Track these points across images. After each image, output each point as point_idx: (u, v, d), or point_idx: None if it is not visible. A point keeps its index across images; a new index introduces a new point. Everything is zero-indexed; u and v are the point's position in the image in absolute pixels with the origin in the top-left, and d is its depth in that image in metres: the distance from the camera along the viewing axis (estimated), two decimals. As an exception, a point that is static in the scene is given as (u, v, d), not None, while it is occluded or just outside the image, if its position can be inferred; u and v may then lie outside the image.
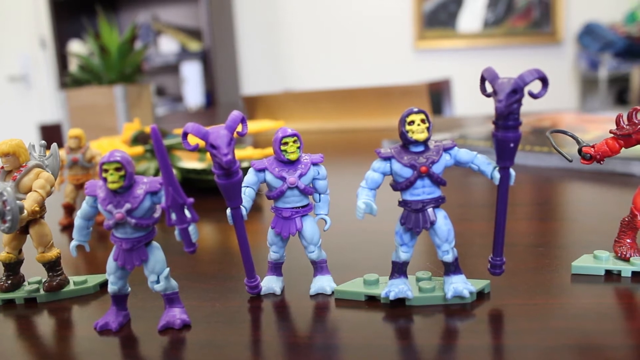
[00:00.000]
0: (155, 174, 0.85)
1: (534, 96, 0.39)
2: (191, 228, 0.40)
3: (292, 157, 0.45)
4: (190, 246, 0.40)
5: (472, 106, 3.04)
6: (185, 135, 0.41)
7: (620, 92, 3.05)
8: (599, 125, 1.18)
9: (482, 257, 0.52)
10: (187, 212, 0.39)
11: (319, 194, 0.48)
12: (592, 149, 0.48)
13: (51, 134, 3.11)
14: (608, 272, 0.48)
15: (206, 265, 0.56)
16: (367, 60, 3.70)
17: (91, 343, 0.42)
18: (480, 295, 0.45)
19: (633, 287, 0.45)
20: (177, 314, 0.43)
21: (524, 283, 0.47)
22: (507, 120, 0.39)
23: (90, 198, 0.41)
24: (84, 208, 0.42)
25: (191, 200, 0.39)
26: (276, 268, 0.49)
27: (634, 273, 0.47)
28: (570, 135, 0.50)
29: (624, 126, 0.47)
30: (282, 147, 0.45)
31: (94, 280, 0.51)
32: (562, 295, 0.44)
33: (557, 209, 0.72)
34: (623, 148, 0.47)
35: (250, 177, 0.46)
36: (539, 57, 3.45)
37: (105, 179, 0.39)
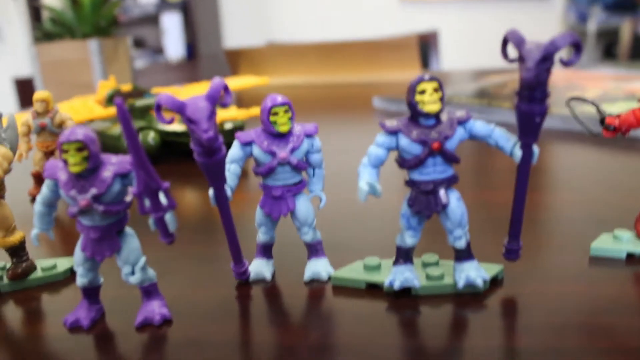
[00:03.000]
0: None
1: (565, 64, 0.33)
2: (168, 216, 0.35)
3: (283, 129, 0.40)
4: (166, 237, 0.35)
5: (459, 60, 2.97)
6: (158, 107, 0.35)
7: (608, 45, 2.99)
8: (598, 83, 1.13)
9: (491, 232, 0.48)
10: (162, 198, 0.34)
11: (313, 169, 0.43)
12: (616, 119, 0.43)
13: (26, 88, 3.00)
14: (630, 255, 0.44)
15: (187, 245, 0.51)
16: (353, 12, 3.59)
17: (60, 343, 0.37)
18: (493, 282, 0.40)
19: (659, 273, 0.41)
20: (155, 308, 0.38)
21: (539, 267, 0.43)
22: (534, 91, 0.33)
23: (51, 182, 0.36)
24: (44, 193, 0.36)
25: (167, 184, 0.34)
26: (266, 250, 0.44)
27: (658, 256, 0.43)
28: (591, 104, 0.45)
29: (656, 94, 0.42)
30: (272, 118, 0.40)
31: (64, 264, 0.46)
32: (581, 284, 0.40)
33: (561, 177, 0.68)
34: (653, 119, 0.42)
35: (235, 152, 0.41)
36: (527, 9, 3.37)
37: (65, 161, 0.34)
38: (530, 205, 0.55)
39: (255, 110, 0.81)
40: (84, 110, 0.83)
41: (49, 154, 0.68)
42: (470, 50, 3.14)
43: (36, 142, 0.68)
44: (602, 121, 0.44)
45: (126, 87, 0.93)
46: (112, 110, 0.84)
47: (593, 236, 0.46)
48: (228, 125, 0.81)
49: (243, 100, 1.35)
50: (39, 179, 0.68)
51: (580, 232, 0.49)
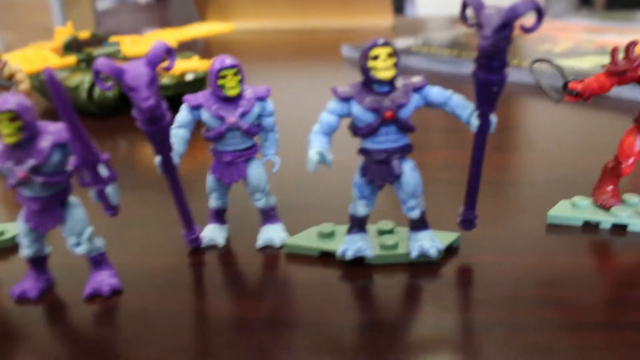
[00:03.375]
0: (91, 89, 0.76)
1: (526, 30, 0.32)
2: (109, 189, 0.33)
3: (232, 92, 0.38)
4: (109, 209, 0.34)
5: (435, 4, 2.91)
6: (96, 73, 0.33)
7: (587, -9, 2.95)
8: (570, 35, 1.12)
9: (447, 196, 0.47)
10: (102, 170, 0.32)
11: (266, 132, 0.41)
12: (579, 84, 0.42)
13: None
14: (586, 222, 0.44)
15: (138, 207, 0.50)
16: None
17: (7, 315, 0.36)
18: (449, 250, 0.40)
19: (614, 244, 0.41)
20: (105, 278, 0.37)
21: (495, 235, 0.42)
22: (491, 60, 0.32)
23: None
24: None
25: (106, 156, 0.32)
26: (219, 216, 0.43)
27: (613, 225, 0.43)
28: (555, 66, 0.44)
29: (619, 62, 0.40)
30: (220, 82, 0.38)
31: (13, 229, 0.44)
32: (536, 253, 0.40)
33: (526, 136, 0.67)
34: (615, 86, 0.41)
35: (183, 116, 0.39)
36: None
37: (-2, 131, 0.32)
38: (493, 166, 0.54)
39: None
40: (38, 59, 0.79)
41: (-1, 108, 0.65)
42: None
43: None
44: (564, 86, 0.43)
45: (84, 34, 0.89)
46: (68, 59, 0.80)
47: (553, 201, 0.46)
48: (189, 77, 0.78)
49: (209, 48, 1.31)
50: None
51: (541, 196, 0.48)
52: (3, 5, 1.31)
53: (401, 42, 1.10)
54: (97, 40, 0.89)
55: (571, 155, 0.58)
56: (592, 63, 0.84)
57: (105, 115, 0.77)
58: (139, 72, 0.32)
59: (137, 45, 0.81)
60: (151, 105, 0.32)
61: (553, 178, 0.52)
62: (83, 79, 0.77)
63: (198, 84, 0.80)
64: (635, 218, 0.43)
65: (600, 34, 1.11)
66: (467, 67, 0.93)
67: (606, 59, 0.43)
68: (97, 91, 0.76)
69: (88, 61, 0.83)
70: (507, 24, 0.31)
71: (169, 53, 0.34)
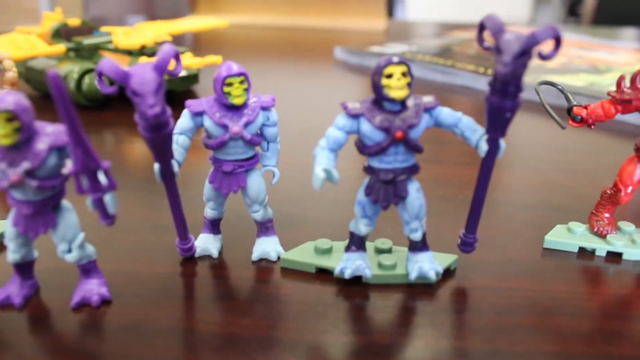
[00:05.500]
0: (80, 79, 0.74)
1: (544, 57, 0.31)
2: (108, 197, 0.32)
3: (238, 101, 0.37)
4: (106, 218, 0.32)
5: (425, 9, 2.91)
6: (100, 75, 0.32)
7: (573, 3, 2.98)
8: (561, 50, 1.12)
9: (443, 213, 0.47)
10: (102, 178, 0.31)
11: (267, 142, 0.40)
12: (583, 110, 0.42)
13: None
14: (582, 248, 0.43)
15: (130, 208, 0.48)
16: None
17: (-13, 322, 0.34)
18: (446, 272, 0.40)
19: (608, 272, 0.41)
20: (94, 288, 0.36)
21: (492, 258, 0.42)
22: (508, 85, 0.31)
23: None
24: None
25: (107, 164, 0.31)
26: (214, 226, 0.42)
27: (609, 253, 0.43)
28: (560, 90, 0.44)
29: (625, 90, 0.40)
30: (226, 89, 0.37)
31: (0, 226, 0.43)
32: (533, 278, 0.40)
33: (520, 153, 0.67)
34: (619, 114, 0.41)
35: (184, 122, 0.38)
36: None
37: (-6, 132, 0.30)
38: (491, 184, 0.54)
39: (211, 59, 0.77)
40: (26, 45, 0.77)
41: (-16, 95, 0.63)
42: (437, 4, 3.08)
43: (-30, 82, 0.62)
44: (569, 110, 0.43)
45: (74, 21, 0.87)
46: (57, 47, 0.78)
47: (549, 224, 0.46)
48: (182, 73, 0.77)
49: (199, 41, 1.29)
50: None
51: (538, 219, 0.48)
52: (-12, -15, 1.27)
53: (395, 48, 1.09)
54: (87, 28, 0.87)
55: (570, 178, 0.58)
56: (585, 81, 0.85)
57: (93, 107, 0.76)
58: (146, 77, 0.31)
59: (128, 36, 0.79)
60: (157, 113, 0.31)
61: (550, 200, 0.52)
62: (72, 69, 0.75)
63: (190, 80, 0.79)
64: (630, 247, 0.43)
65: (591, 51, 1.12)
66: (461, 78, 0.93)
67: (597, 78, 0.43)
68: (85, 82, 0.74)
69: (77, 50, 0.81)
70: (526, 51, 0.31)
71: (177, 58, 0.33)
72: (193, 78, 0.79)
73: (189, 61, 0.75)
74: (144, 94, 0.31)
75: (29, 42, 0.78)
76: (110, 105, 0.77)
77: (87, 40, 0.80)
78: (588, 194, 0.52)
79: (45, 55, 0.78)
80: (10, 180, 0.31)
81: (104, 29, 0.85)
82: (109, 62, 0.31)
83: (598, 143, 0.68)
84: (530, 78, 0.87)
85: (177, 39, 1.08)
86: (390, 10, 2.23)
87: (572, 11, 2.98)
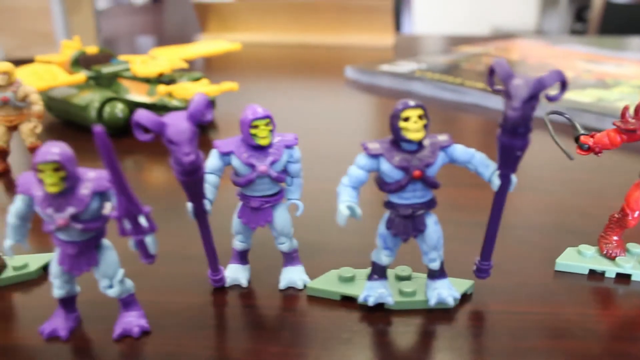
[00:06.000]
0: (100, 108, 0.77)
1: (550, 99, 0.34)
2: (149, 239, 0.34)
3: (264, 142, 0.39)
4: (147, 257, 0.35)
5: (433, 21, 2.94)
6: (137, 124, 0.34)
7: (580, 9, 3.00)
8: (569, 63, 1.14)
9: (457, 238, 0.49)
10: (143, 221, 0.34)
11: (291, 178, 0.43)
12: (590, 139, 0.44)
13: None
14: (592, 270, 0.46)
15: (160, 239, 0.50)
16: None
17: (36, 354, 0.37)
18: (463, 296, 0.42)
19: (618, 293, 0.43)
20: (134, 320, 0.38)
21: (506, 282, 0.44)
22: (517, 127, 0.34)
23: (26, 197, 0.35)
24: (18, 207, 0.35)
25: (148, 209, 0.33)
26: (242, 257, 0.45)
27: (618, 274, 0.45)
28: (568, 119, 0.46)
29: (630, 120, 0.42)
30: (252, 131, 0.39)
31: (36, 262, 0.45)
32: (545, 302, 0.42)
33: (529, 174, 0.68)
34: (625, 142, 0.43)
35: (213, 162, 0.40)
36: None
37: (41, 180, 0.33)
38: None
39: (227, 85, 0.79)
40: (47, 76, 0.80)
41: (12, 128, 0.66)
42: (444, 14, 3.11)
43: (-1, 117, 0.65)
44: (576, 139, 0.45)
45: (92, 49, 0.90)
46: (77, 76, 0.81)
47: (560, 247, 0.48)
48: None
49: (211, 62, 1.31)
50: (2, 154, 0.66)
51: (548, 242, 0.50)
52: (3, 9, 1.30)
53: (404, 66, 1.11)
54: (105, 56, 0.90)
55: (579, 198, 0.60)
56: (592, 97, 0.87)
57: (114, 135, 0.78)
58: (181, 127, 0.33)
59: (146, 65, 0.82)
60: (192, 160, 0.34)
61: (559, 221, 0.54)
62: (93, 98, 0.78)
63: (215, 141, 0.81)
64: (638, 268, 0.45)
65: (598, 64, 1.14)
66: (470, 96, 0.95)
67: (605, 93, 0.45)
68: (107, 110, 0.77)
69: (97, 79, 0.83)
70: (534, 96, 0.33)
71: (208, 107, 0.36)
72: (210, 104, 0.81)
73: (206, 89, 0.78)
74: (179, 143, 0.33)
75: (50, 72, 0.81)
76: (130, 132, 0.79)
77: (106, 69, 0.83)
78: (597, 214, 0.54)
79: (66, 85, 0.81)
80: (57, 224, 0.34)
81: (121, 57, 0.88)
82: (145, 112, 0.34)
83: (606, 162, 0.70)
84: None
85: (190, 62, 1.11)
86: (396, 25, 2.26)
87: (579, 17, 3.00)
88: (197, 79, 0.84)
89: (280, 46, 1.49)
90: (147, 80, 0.82)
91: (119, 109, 0.77)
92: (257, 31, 1.53)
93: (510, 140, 0.35)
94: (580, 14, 2.99)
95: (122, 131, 0.79)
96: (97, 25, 1.50)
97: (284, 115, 0.89)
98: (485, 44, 1.35)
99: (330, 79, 1.14)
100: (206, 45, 1.02)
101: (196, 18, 1.56)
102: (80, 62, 0.87)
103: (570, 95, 0.89)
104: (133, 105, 0.79)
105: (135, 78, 0.83)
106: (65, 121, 0.85)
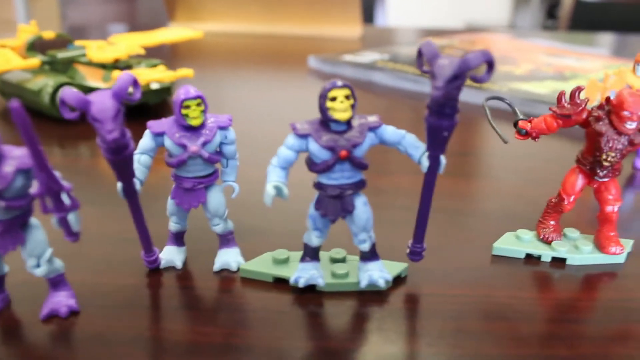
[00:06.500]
0: (54, 92, 0.76)
1: (476, 80, 0.34)
2: (71, 216, 0.34)
3: (195, 122, 0.39)
4: (70, 235, 0.34)
5: (407, 13, 2.95)
6: (62, 102, 0.34)
7: (551, 6, 3.03)
8: (531, 56, 1.15)
9: (400, 223, 0.49)
10: (65, 198, 0.33)
11: (227, 160, 0.43)
12: (528, 124, 0.45)
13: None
14: (529, 254, 0.46)
15: (102, 222, 0.50)
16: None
17: (-42, 334, 0.36)
18: (397, 279, 0.42)
19: (552, 276, 0.44)
20: (62, 300, 0.38)
21: (442, 265, 0.44)
22: (443, 107, 0.34)
23: None
24: None
25: (69, 186, 0.33)
26: (177, 238, 0.44)
27: (553, 258, 0.45)
28: (507, 104, 0.46)
29: (565, 105, 0.43)
30: (184, 111, 0.39)
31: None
32: (480, 285, 0.42)
33: (482, 162, 0.69)
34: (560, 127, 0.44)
35: (145, 142, 0.40)
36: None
37: (-39, 156, 0.32)
38: (444, 192, 0.56)
39: (183, 72, 0.79)
40: (0, 59, 0.78)
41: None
42: (420, 8, 3.12)
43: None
44: (515, 124, 0.46)
45: (48, 34, 0.88)
46: (31, 60, 0.79)
47: (499, 232, 0.48)
48: (154, 86, 0.79)
49: (176, 50, 1.30)
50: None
51: (488, 226, 0.51)
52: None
53: (368, 56, 1.12)
54: (62, 41, 0.88)
55: (520, 186, 0.60)
56: (549, 89, 0.88)
57: (68, 121, 0.77)
58: (105, 105, 0.33)
59: (102, 50, 0.81)
60: (115, 138, 0.33)
61: (500, 208, 0.55)
62: (47, 82, 0.76)
63: (163, 92, 0.81)
64: (573, 252, 0.45)
65: (560, 58, 1.15)
66: (429, 87, 0.95)
67: (561, 85, 0.45)
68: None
69: (52, 63, 0.82)
70: (459, 76, 0.33)
71: (135, 84, 0.35)
72: (166, 91, 0.81)
73: (162, 75, 0.77)
74: (103, 120, 0.33)
75: (4, 56, 0.80)
76: (85, 119, 0.78)
77: (62, 54, 0.82)
78: (542, 201, 0.55)
79: (20, 69, 0.79)
80: (-23, 202, 0.33)
81: (78, 42, 0.87)
82: (69, 90, 0.33)
83: (555, 150, 0.71)
84: (496, 86, 0.90)
85: (154, 50, 1.10)
86: (370, 17, 2.26)
87: (551, 14, 3.03)
88: (154, 66, 0.83)
89: (248, 36, 1.48)
90: (103, 66, 0.81)
91: (73, 94, 0.76)
92: (226, 21, 1.52)
93: (437, 120, 0.35)
94: (551, 11, 3.02)
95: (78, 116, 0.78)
96: (62, 12, 1.48)
97: (244, 103, 0.89)
98: (452, 37, 1.35)
99: (294, 68, 1.14)
100: (167, 33, 1.02)
101: (164, 7, 1.54)
102: (37, 47, 0.86)
103: (528, 86, 0.90)
104: (88, 91, 0.78)
105: (91, 64, 0.82)
106: (19, 106, 0.84)
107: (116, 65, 0.81)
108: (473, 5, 3.25)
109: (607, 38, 1.57)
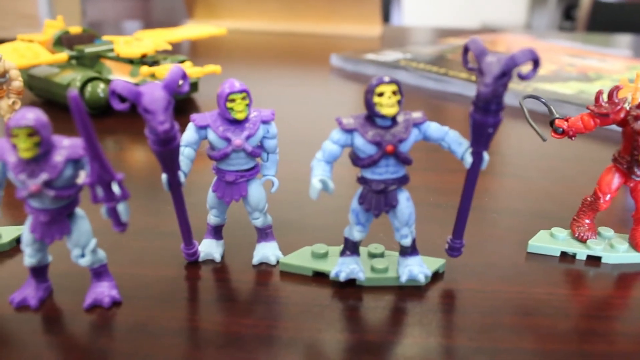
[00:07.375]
0: (82, 87, 0.76)
1: (522, 77, 0.34)
2: (121, 207, 0.34)
3: (240, 116, 0.39)
4: (119, 225, 0.35)
5: (423, 13, 2.94)
6: (113, 93, 0.34)
7: (568, 7, 3.02)
8: (553, 57, 1.15)
9: (433, 219, 0.50)
10: (115, 188, 0.34)
11: (267, 154, 0.43)
12: (565, 122, 0.45)
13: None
14: (564, 252, 0.46)
15: (135, 215, 0.50)
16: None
17: (6, 323, 0.37)
18: (435, 275, 0.42)
19: (588, 274, 0.44)
20: (105, 290, 0.39)
21: (478, 262, 0.45)
22: (489, 104, 0.34)
23: None
24: None
25: (121, 176, 0.33)
26: (216, 232, 0.45)
27: (588, 257, 0.46)
28: (543, 103, 0.46)
29: (603, 104, 0.43)
30: (229, 105, 0.39)
31: (9, 234, 0.45)
32: (516, 281, 0.43)
33: (508, 161, 0.69)
34: (598, 126, 0.44)
35: (189, 135, 0.40)
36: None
37: (14, 145, 0.33)
38: (478, 190, 0.56)
39: (210, 68, 0.79)
40: (28, 53, 0.79)
41: (-8, 103, 0.65)
42: (435, 8, 3.11)
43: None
44: (551, 123, 0.46)
45: (75, 29, 0.89)
46: (60, 55, 0.80)
47: (533, 230, 0.48)
48: (181, 81, 0.79)
49: (196, 47, 1.31)
50: (-19, 129, 0.66)
51: (522, 224, 0.51)
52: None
53: (389, 55, 1.12)
54: (89, 36, 0.89)
55: (553, 185, 0.60)
56: (574, 89, 0.88)
57: (95, 115, 0.78)
58: (156, 95, 0.34)
59: (129, 45, 0.82)
60: (167, 129, 0.34)
61: (534, 207, 0.55)
62: (75, 77, 0.77)
63: (190, 88, 0.81)
64: (608, 251, 0.45)
65: (581, 58, 1.15)
66: (453, 86, 0.95)
67: (586, 86, 0.45)
68: (88, 90, 0.77)
69: (79, 58, 0.83)
70: (506, 73, 0.33)
71: (184, 78, 0.36)
72: (193, 86, 0.81)
73: (189, 70, 0.78)
74: (154, 112, 0.34)
75: (32, 51, 0.80)
76: (111, 112, 0.79)
77: (89, 49, 0.83)
78: (570, 200, 0.55)
79: (48, 63, 0.80)
80: (30, 190, 0.33)
81: (105, 37, 0.88)
82: (121, 81, 0.34)
83: (581, 150, 0.71)
84: (521, 86, 0.90)
85: (175, 46, 1.11)
86: (386, 16, 2.26)
87: (568, 15, 3.02)
88: (181, 62, 0.83)
89: (268, 34, 1.48)
90: (130, 61, 0.82)
91: (101, 88, 0.77)
92: (245, 18, 1.52)
93: (483, 117, 0.35)
94: (568, 12, 3.01)
95: (103, 111, 0.78)
96: (83, 8, 1.48)
97: (268, 100, 0.89)
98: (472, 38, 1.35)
99: (316, 66, 1.15)
100: (191, 29, 1.02)
101: (183, 3, 1.55)
102: (63, 42, 0.87)
103: (553, 87, 0.90)
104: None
105: (118, 59, 0.83)
106: (46, 100, 0.85)
107: (143, 60, 0.81)
108: (488, 5, 3.24)
109: (626, 39, 1.56)
